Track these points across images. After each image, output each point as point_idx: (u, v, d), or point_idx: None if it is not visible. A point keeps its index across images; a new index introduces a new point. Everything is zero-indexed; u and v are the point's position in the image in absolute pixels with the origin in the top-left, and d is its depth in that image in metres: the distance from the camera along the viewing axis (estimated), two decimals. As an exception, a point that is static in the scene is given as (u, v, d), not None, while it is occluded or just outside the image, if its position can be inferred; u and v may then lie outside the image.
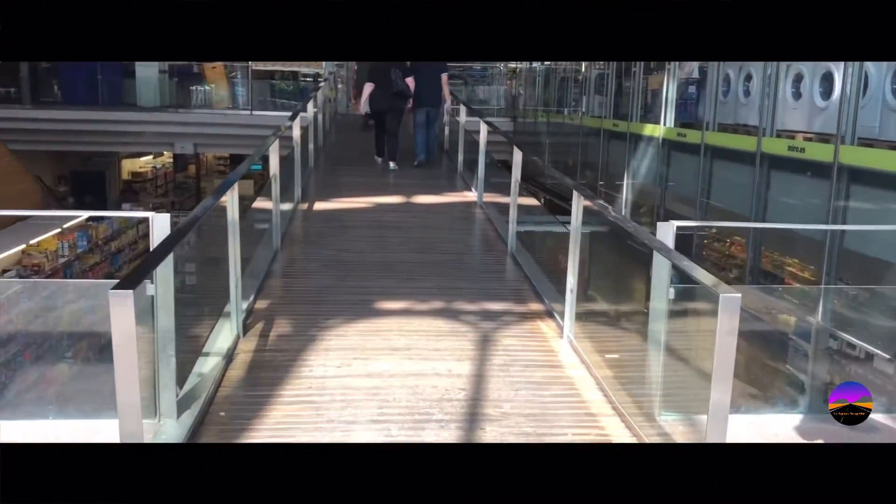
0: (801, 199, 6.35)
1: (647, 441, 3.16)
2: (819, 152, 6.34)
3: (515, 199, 6.13)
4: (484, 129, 8.02)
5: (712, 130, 7.67)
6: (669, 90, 8.62)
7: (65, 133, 15.03)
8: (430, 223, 7.20)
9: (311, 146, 9.69)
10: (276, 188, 5.92)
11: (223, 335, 4.16)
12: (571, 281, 4.23)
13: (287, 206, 7.38)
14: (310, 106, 9.63)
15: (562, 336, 4.34)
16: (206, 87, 15.56)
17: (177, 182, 20.18)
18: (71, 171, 19.25)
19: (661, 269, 3.42)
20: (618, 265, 5.58)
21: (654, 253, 3.36)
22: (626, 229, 3.47)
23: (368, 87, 9.64)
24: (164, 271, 3.18)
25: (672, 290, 3.40)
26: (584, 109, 12.47)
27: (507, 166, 14.86)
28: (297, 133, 7.76)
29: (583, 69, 13.11)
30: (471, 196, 8.37)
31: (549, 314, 4.74)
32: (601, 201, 3.86)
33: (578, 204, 4.20)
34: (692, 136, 8.05)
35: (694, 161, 7.84)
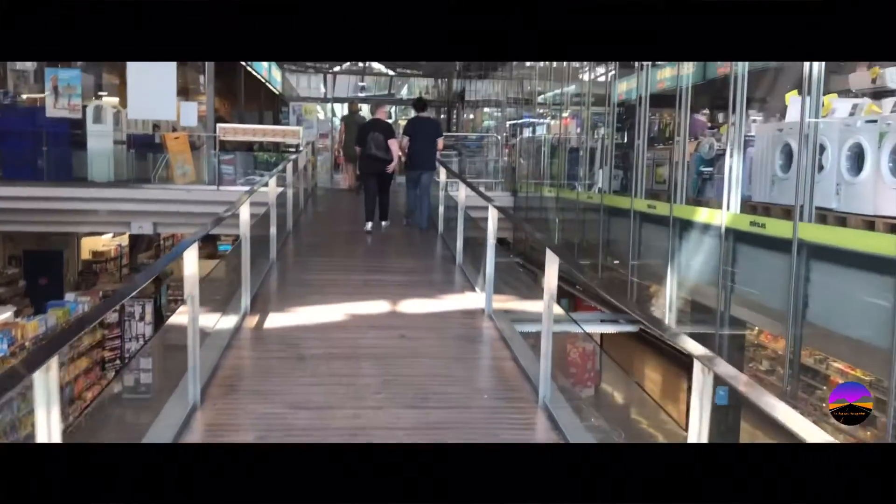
0: None
1: None
2: None
3: (549, 326, 4.14)
4: (493, 215, 6.05)
5: (809, 221, 5.49)
6: (733, 164, 6.49)
7: (4, 212, 13.15)
8: (423, 349, 5.17)
9: (272, 230, 7.74)
10: (193, 312, 3.91)
11: None
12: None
13: (227, 324, 5.39)
14: (272, 183, 7.74)
15: None
16: (168, 160, 13.70)
17: (136, 264, 18.22)
18: (23, 250, 17.39)
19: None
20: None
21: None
22: None
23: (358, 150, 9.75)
24: None
25: None
26: (600, 185, 10.65)
27: (507, 245, 13.09)
28: (245, 217, 5.77)
29: (597, 136, 11.38)
30: (475, 300, 6.38)
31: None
32: (771, 397, 1.89)
33: (705, 379, 2.23)
34: (776, 228, 5.80)
35: (779, 261, 5.65)
